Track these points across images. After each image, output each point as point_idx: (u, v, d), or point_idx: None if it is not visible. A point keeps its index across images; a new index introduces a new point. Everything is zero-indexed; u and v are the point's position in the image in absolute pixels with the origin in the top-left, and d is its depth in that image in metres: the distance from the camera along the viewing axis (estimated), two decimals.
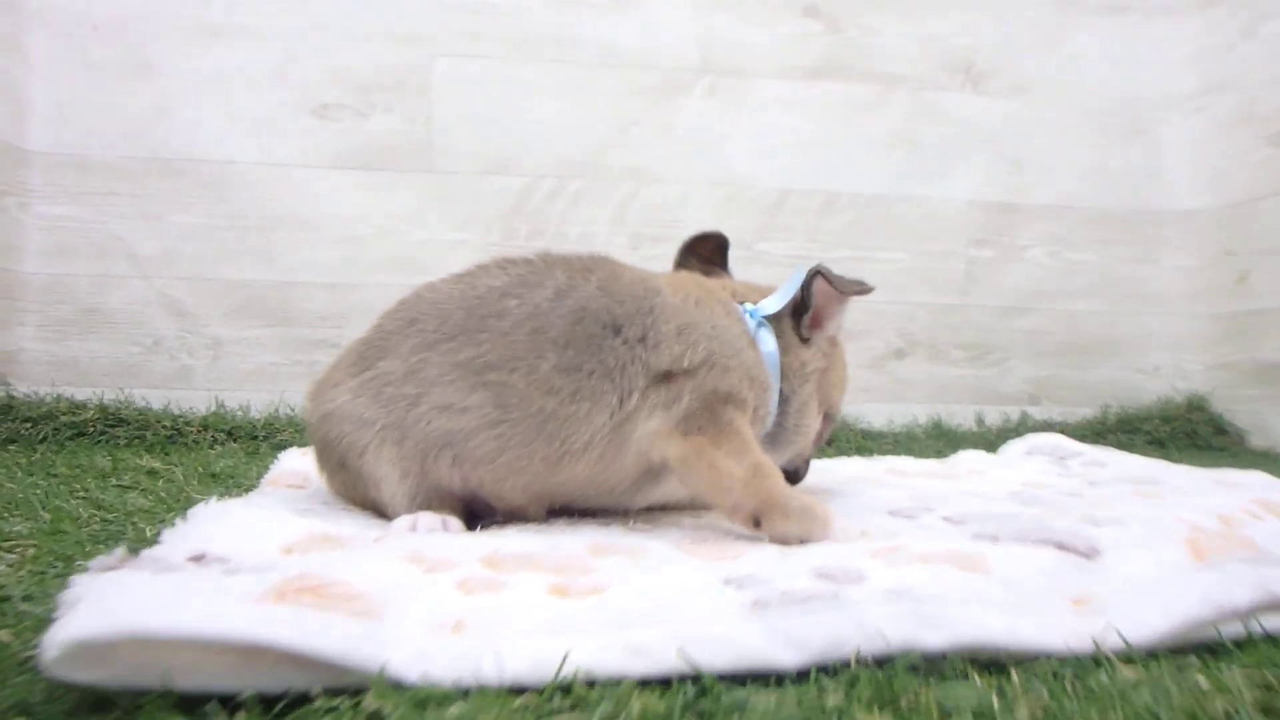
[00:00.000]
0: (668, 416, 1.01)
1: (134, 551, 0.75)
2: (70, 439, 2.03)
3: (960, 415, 2.59)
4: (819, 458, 1.92)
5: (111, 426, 2.08)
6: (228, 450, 2.01)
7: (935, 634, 0.66)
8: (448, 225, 2.42)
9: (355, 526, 0.96)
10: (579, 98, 2.47)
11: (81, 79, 2.30)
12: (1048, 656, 0.67)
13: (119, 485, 1.48)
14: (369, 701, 0.55)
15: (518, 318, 1.06)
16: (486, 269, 1.14)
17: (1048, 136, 2.67)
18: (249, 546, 0.79)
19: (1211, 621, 0.72)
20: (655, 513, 1.15)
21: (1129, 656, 0.69)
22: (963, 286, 2.63)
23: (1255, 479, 1.34)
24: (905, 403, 2.59)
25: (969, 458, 1.72)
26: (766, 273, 2.24)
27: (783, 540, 0.94)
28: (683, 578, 0.74)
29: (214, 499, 0.95)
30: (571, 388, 1.02)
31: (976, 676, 0.65)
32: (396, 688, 0.57)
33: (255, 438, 2.12)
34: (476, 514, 1.09)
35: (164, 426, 2.10)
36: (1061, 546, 0.80)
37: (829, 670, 0.65)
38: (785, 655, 0.64)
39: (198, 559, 0.73)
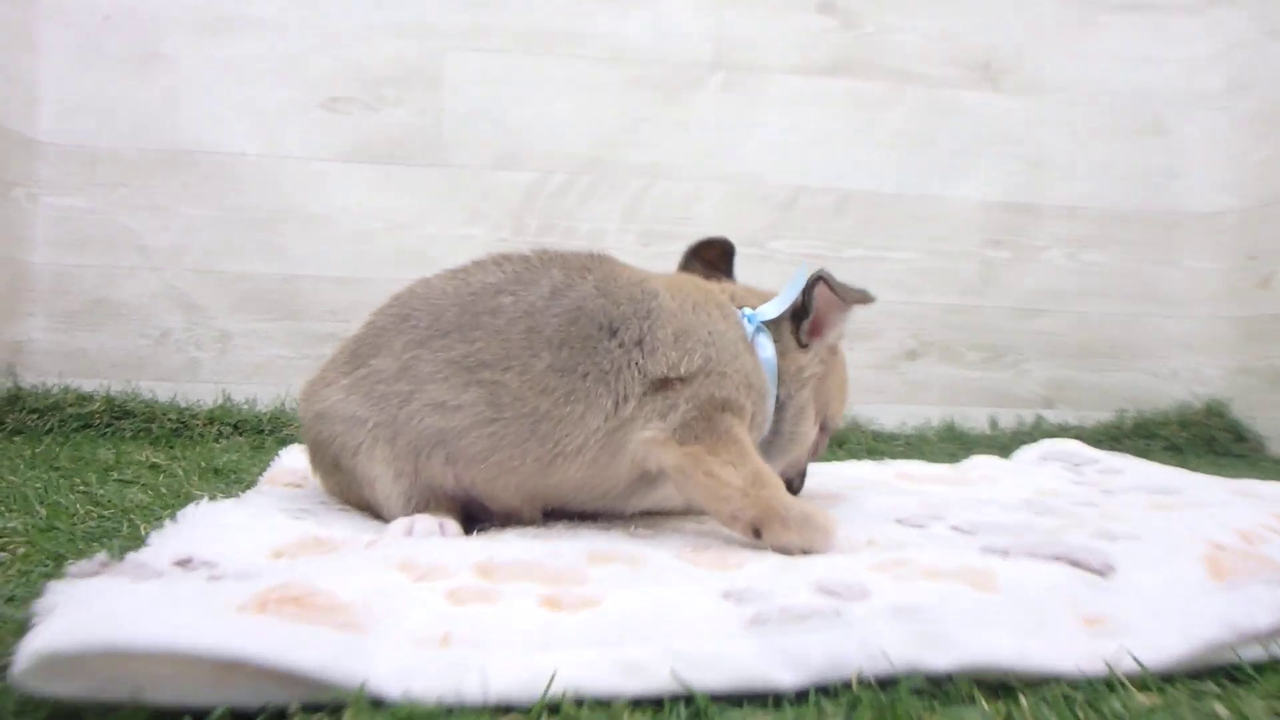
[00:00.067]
0: (664, 425, 0.99)
1: (119, 555, 0.73)
2: (76, 431, 2.03)
3: (973, 418, 2.55)
4: (828, 460, 1.89)
5: (118, 419, 2.08)
6: (233, 444, 2.00)
7: (941, 655, 0.63)
8: (457, 220, 2.41)
9: (349, 529, 0.94)
10: (590, 92, 2.44)
11: (92, 70, 2.29)
12: (1058, 679, 0.65)
13: (120, 480, 1.47)
14: (347, 719, 0.53)
15: (512, 315, 1.04)
16: (482, 265, 1.12)
17: (1066, 135, 2.63)
18: (237, 550, 0.77)
19: (1230, 645, 0.69)
20: (658, 517, 1.12)
21: (1144, 681, 0.66)
22: (977, 287, 2.60)
23: (1277, 490, 1.31)
24: (917, 404, 2.56)
25: (981, 463, 1.68)
26: (778, 271, 2.22)
27: (784, 550, 0.91)
28: (680, 590, 0.71)
29: (205, 500, 0.93)
30: (565, 388, 1.00)
31: (983, 700, 0.62)
32: (377, 705, 0.55)
33: (261, 432, 2.11)
34: (474, 516, 1.07)
35: (170, 419, 2.09)
36: (1075, 563, 0.77)
37: (829, 691, 0.62)
38: (783, 675, 0.61)
39: (184, 563, 0.71)
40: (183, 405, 2.17)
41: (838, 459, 1.99)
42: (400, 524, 0.98)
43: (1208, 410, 2.54)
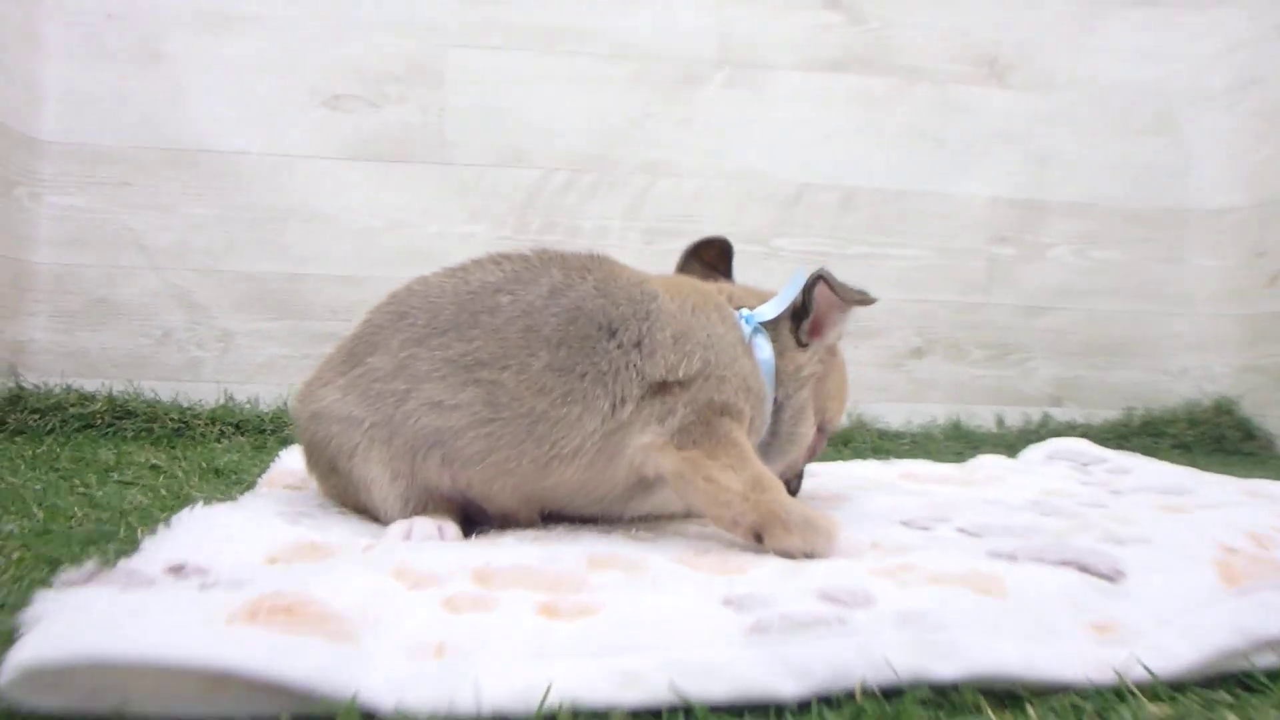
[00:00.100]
0: (661, 430, 0.98)
1: (112, 561, 0.72)
2: (78, 431, 2.02)
3: (980, 416, 2.53)
4: (832, 460, 1.88)
5: (119, 419, 2.07)
6: (234, 444, 1.99)
7: (947, 664, 0.62)
8: (460, 218, 2.39)
9: (345, 534, 0.93)
10: (594, 90, 2.43)
11: (94, 69, 2.28)
12: (1067, 689, 0.63)
13: (120, 481, 1.46)
14: None
15: (510, 314, 1.02)
16: (480, 263, 1.11)
17: (1074, 132, 2.61)
18: (231, 556, 0.76)
19: (1244, 652, 0.68)
20: (659, 519, 1.11)
21: (1155, 690, 0.64)
22: (984, 285, 2.58)
23: None
24: (924, 403, 2.54)
25: (988, 462, 1.67)
26: (783, 269, 2.21)
27: (787, 555, 0.90)
28: (680, 597, 0.70)
29: (201, 504, 0.92)
30: (563, 389, 0.99)
31: (990, 710, 0.61)
32: (368, 718, 0.53)
33: (263, 431, 2.10)
34: (472, 518, 1.06)
35: (172, 419, 2.08)
36: (1083, 568, 0.76)
37: (832, 702, 0.61)
38: (785, 685, 0.60)
39: (176, 570, 0.70)
40: (184, 405, 2.16)
41: (842, 458, 1.98)
42: (398, 527, 0.96)
43: (1216, 408, 2.52)
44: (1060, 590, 0.72)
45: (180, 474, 1.54)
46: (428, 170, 2.38)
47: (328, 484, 1.10)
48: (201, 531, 0.84)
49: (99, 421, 2.05)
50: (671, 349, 1.02)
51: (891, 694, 0.62)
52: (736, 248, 2.49)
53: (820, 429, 1.21)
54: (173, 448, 1.90)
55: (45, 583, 0.80)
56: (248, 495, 1.17)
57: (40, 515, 1.15)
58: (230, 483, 1.50)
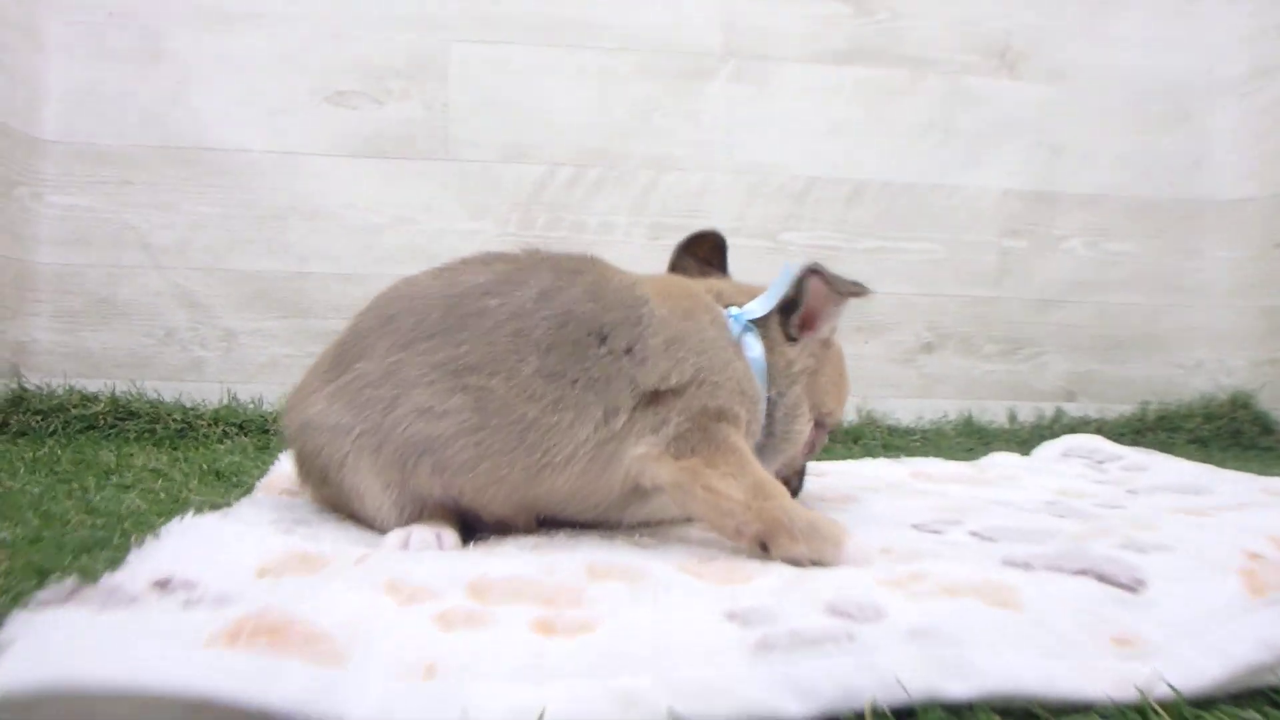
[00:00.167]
0: (656, 440, 0.95)
1: (96, 575, 0.70)
2: (80, 432, 2.01)
3: (992, 412, 2.50)
4: (843, 458, 1.85)
5: (122, 420, 2.06)
6: (237, 445, 1.97)
7: (960, 683, 0.59)
8: (464, 214, 2.37)
9: (340, 543, 0.91)
10: (599, 83, 2.40)
11: (96, 67, 2.26)
12: (1088, 707, 0.60)
13: (119, 484, 1.44)
14: None
15: (499, 318, 1.00)
16: (469, 264, 1.08)
17: (1087, 122, 2.57)
18: (221, 569, 0.74)
19: (1271, 667, 0.65)
20: (663, 524, 1.08)
21: (1179, 708, 0.61)
22: (996, 278, 2.54)
23: None
24: (935, 398, 2.51)
25: (1000, 461, 1.64)
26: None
27: (794, 563, 0.87)
28: (682, 611, 0.67)
29: (191, 513, 0.90)
30: (554, 395, 0.96)
31: None
32: None
33: (266, 431, 2.08)
34: (471, 523, 1.03)
35: (174, 420, 2.06)
36: (1102, 578, 0.73)
37: None
38: (791, 706, 0.57)
39: (162, 585, 0.68)
40: (187, 405, 2.14)
41: (853, 456, 1.95)
42: (396, 536, 0.94)
43: (1233, 402, 2.48)
44: (1078, 602, 0.69)
45: (180, 477, 1.52)
46: (432, 166, 2.36)
47: (320, 494, 1.08)
48: (191, 542, 0.81)
49: (101, 423, 2.04)
50: (663, 356, 0.99)
51: (903, 714, 0.59)
52: (743, 242, 2.49)
53: (819, 424, 1.18)
54: (175, 449, 1.89)
55: (30, 595, 0.78)
56: (244, 501, 1.14)
57: (35, 522, 1.13)
58: (230, 485, 1.48)
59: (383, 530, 0.99)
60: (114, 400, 2.09)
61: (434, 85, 2.35)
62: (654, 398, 0.98)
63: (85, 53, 2.26)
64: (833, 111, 2.48)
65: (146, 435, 2.02)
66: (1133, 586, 0.72)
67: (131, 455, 1.75)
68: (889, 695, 0.58)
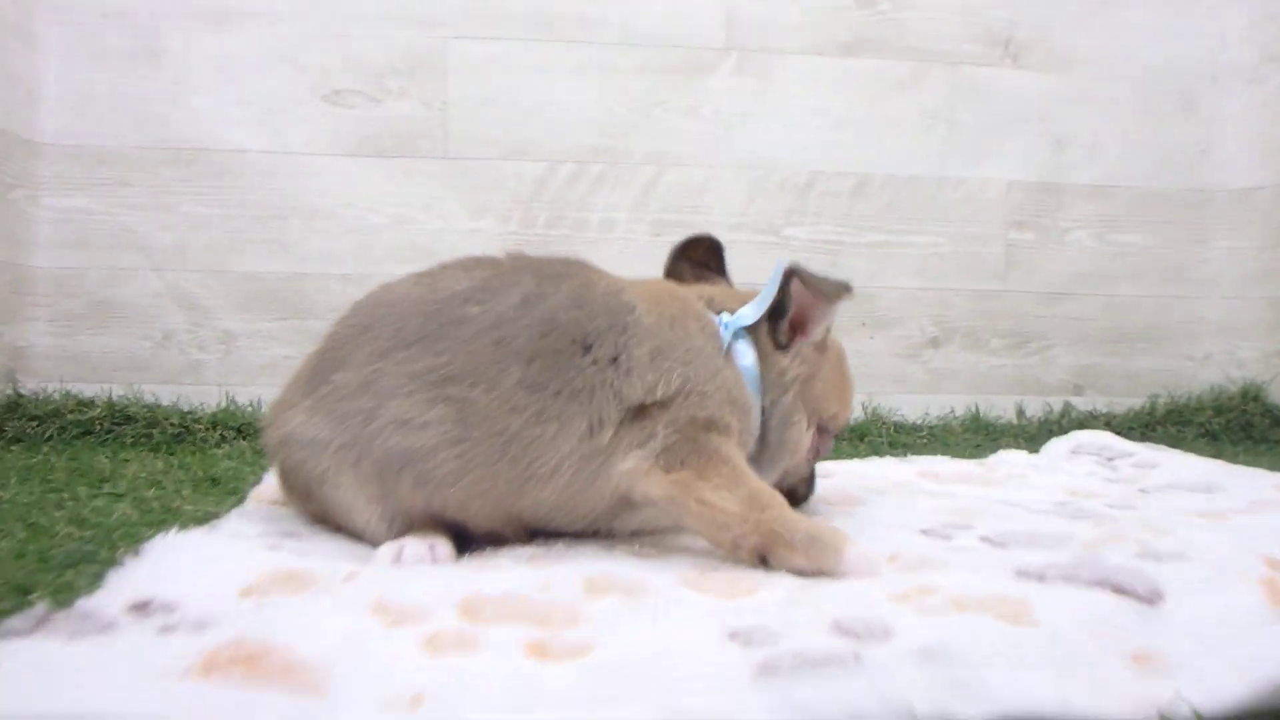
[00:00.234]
0: (644, 454, 0.92)
1: (69, 600, 0.67)
2: (76, 438, 1.99)
3: (999, 407, 2.47)
4: (849, 457, 1.82)
5: (119, 424, 2.03)
6: (235, 449, 1.94)
7: (972, 705, 0.57)
8: (464, 213, 2.34)
9: (328, 559, 0.88)
10: (599, 79, 2.37)
11: (91, 68, 2.24)
12: None
13: (111, 494, 1.42)
14: None
15: (480, 326, 0.97)
16: (449, 269, 1.05)
17: (1093, 112, 2.53)
18: (203, 589, 0.71)
19: None
20: (665, 533, 1.05)
21: None
22: (1002, 271, 2.51)
23: None
24: (941, 394, 2.48)
25: (1009, 459, 1.61)
26: (795, 258, 2.15)
27: (796, 574, 0.84)
28: (681, 630, 0.65)
29: (175, 530, 0.87)
30: (536, 407, 0.94)
31: None
32: None
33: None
34: (466, 534, 1.01)
35: (172, 424, 2.04)
36: (1118, 589, 0.70)
37: None
38: None
39: (140, 608, 0.65)
40: (185, 409, 2.12)
41: (859, 454, 1.92)
42: (388, 550, 0.91)
43: (1243, 395, 2.44)
44: (1095, 616, 0.66)
45: (174, 485, 1.49)
46: (431, 165, 2.34)
47: (308, 510, 1.05)
48: (175, 560, 0.79)
49: (98, 428, 2.01)
50: (649, 367, 0.96)
51: None
52: (746, 238, 2.46)
53: (822, 429, 1.15)
54: (171, 454, 1.87)
55: (12, 613, 0.75)
56: (234, 512, 1.12)
57: (22, 534, 1.11)
58: (225, 493, 1.46)
59: (374, 543, 0.97)
60: (110, 405, 2.07)
61: (433, 83, 2.33)
62: (640, 411, 0.95)
63: (81, 54, 2.24)
64: (836, 104, 2.45)
65: (143, 440, 2.00)
66: (1150, 599, 0.70)
67: (127, 461, 1.73)
68: None
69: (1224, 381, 2.50)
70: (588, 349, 0.96)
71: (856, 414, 2.36)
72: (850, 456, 1.85)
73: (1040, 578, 0.75)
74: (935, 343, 2.49)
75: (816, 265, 1.12)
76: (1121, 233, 2.54)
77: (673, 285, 1.15)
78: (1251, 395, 2.44)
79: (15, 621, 0.60)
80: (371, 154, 2.32)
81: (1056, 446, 1.73)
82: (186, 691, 0.50)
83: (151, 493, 1.43)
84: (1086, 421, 2.35)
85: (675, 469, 0.91)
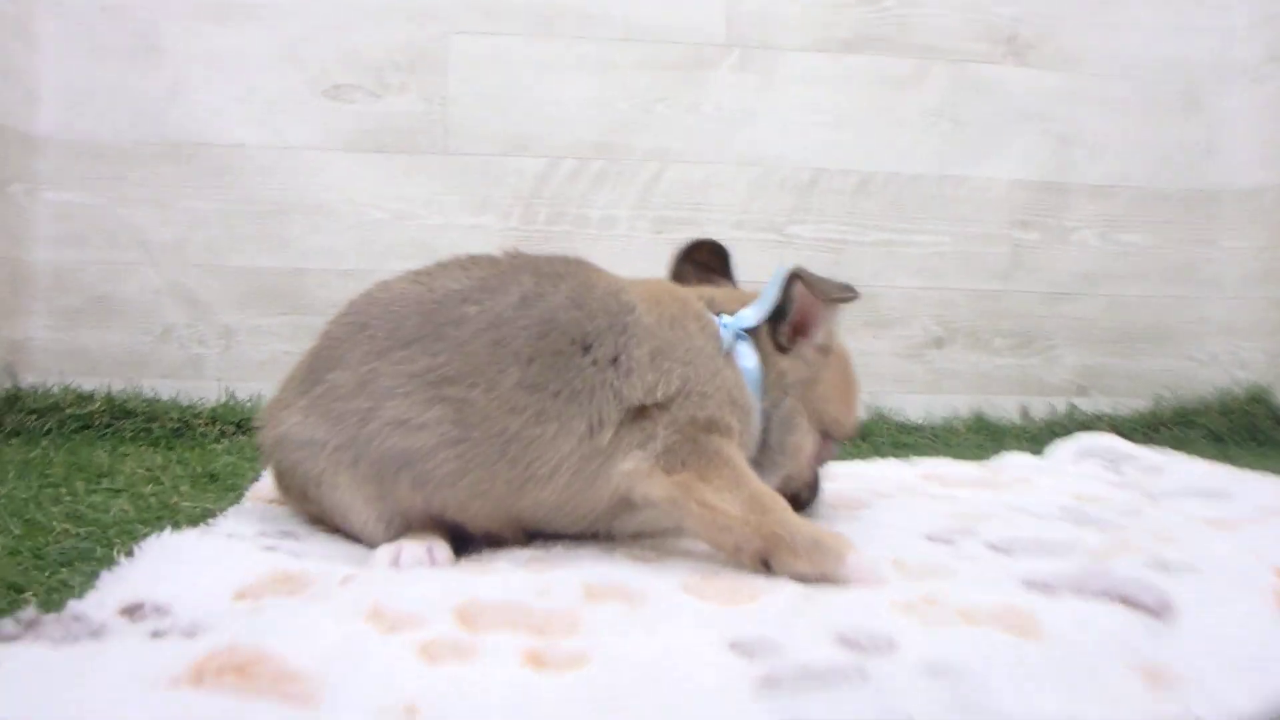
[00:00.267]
0: (645, 455, 0.91)
1: (60, 603, 0.66)
2: (76, 432, 1.98)
3: (1003, 407, 2.46)
4: (852, 458, 1.81)
5: (118, 419, 2.02)
6: (234, 445, 1.93)
7: None
8: (465, 209, 2.33)
9: (325, 560, 0.87)
10: (601, 75, 2.35)
11: (90, 62, 2.23)
12: None
13: (109, 489, 1.41)
14: None
15: (478, 326, 0.96)
16: (447, 268, 1.04)
17: (1098, 111, 2.51)
18: (197, 591, 0.70)
19: None
20: (667, 535, 1.04)
21: None
22: (1006, 271, 2.49)
23: None
24: (944, 394, 2.46)
25: (1013, 462, 1.59)
26: (798, 258, 2.13)
27: (798, 579, 0.83)
28: (682, 640, 0.63)
29: (169, 530, 0.86)
30: (536, 408, 0.92)
31: None
32: None
33: None
34: (463, 535, 0.99)
35: (171, 419, 2.03)
36: (1128, 602, 0.69)
37: None
38: None
39: (131, 611, 0.64)
40: (185, 404, 2.11)
41: (862, 455, 1.91)
42: (385, 553, 0.90)
43: (1250, 397, 2.42)
44: (1104, 630, 0.65)
45: (172, 481, 1.48)
46: (431, 160, 2.32)
47: (305, 510, 1.04)
48: (169, 562, 0.77)
49: (97, 422, 2.00)
50: (649, 368, 0.95)
51: None
52: (748, 236, 2.45)
53: (825, 435, 1.13)
54: (171, 449, 1.86)
55: (4, 613, 0.74)
56: (231, 511, 1.11)
57: (18, 531, 1.10)
58: (224, 489, 1.45)
59: (372, 544, 0.95)
60: (110, 399, 2.06)
61: (433, 78, 2.31)
62: (640, 412, 0.94)
63: (80, 48, 2.22)
64: (839, 102, 2.43)
65: (143, 435, 1.99)
66: (1159, 612, 0.68)
67: (126, 456, 1.72)
68: None
69: (1229, 383, 2.49)
70: (587, 349, 0.95)
71: (859, 414, 2.34)
72: (853, 457, 1.83)
73: (1048, 589, 0.73)
74: (938, 342, 2.48)
75: (819, 264, 1.11)
76: (1126, 232, 2.53)
77: (673, 286, 1.14)
78: (1257, 397, 2.43)
79: (4, 625, 0.59)
80: (372, 150, 2.31)
81: (1061, 449, 1.72)
82: (176, 701, 0.49)
83: (149, 489, 1.42)
84: (1090, 423, 2.34)
85: (676, 470, 0.90)
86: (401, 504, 0.96)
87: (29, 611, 0.61)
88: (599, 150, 2.36)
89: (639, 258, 2.32)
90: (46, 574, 0.93)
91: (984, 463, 1.67)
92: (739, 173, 2.40)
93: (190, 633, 0.60)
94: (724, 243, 1.28)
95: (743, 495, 0.88)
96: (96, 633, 0.60)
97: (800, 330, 1.09)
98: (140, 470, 1.57)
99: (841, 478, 1.48)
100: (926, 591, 0.73)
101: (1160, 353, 2.53)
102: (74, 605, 0.65)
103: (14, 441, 1.86)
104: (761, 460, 1.05)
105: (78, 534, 1.10)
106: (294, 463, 0.98)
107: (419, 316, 0.98)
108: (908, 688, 0.57)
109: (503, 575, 0.81)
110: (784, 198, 2.42)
